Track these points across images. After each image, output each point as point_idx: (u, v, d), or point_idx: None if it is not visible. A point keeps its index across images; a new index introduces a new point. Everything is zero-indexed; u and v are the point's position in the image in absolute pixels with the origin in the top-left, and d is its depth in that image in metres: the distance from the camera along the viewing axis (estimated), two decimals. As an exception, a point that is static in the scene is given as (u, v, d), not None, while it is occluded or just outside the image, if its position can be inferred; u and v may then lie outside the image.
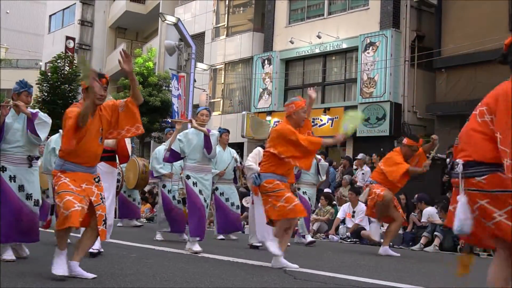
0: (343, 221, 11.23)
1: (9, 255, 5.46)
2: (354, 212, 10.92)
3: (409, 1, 16.66)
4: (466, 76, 14.86)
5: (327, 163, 9.69)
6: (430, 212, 10.04)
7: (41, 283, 4.26)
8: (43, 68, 31.53)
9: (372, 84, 16.64)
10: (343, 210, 11.26)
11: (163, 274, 4.89)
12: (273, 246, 5.67)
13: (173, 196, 9.07)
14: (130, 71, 4.58)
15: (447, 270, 6.39)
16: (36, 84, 26.31)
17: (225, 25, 23.03)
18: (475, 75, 14.58)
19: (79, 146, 4.46)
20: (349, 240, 10.59)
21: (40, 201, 5.73)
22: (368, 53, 16.89)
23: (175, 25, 19.83)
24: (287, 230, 5.81)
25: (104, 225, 4.49)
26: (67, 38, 30.67)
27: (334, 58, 18.96)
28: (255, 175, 5.87)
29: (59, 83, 25.81)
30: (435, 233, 9.55)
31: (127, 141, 6.39)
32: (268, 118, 19.46)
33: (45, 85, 25.92)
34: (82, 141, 4.47)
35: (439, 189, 11.59)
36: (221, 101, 22.58)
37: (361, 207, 10.81)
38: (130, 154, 6.50)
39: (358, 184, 12.68)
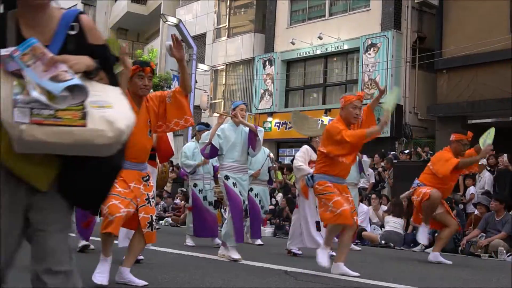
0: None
1: None
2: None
3: (410, 2, 16.67)
4: (467, 77, 14.85)
5: (369, 159, 9.12)
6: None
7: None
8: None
9: (373, 85, 16.63)
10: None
11: (164, 275, 4.89)
12: (323, 256, 5.37)
13: (204, 197, 8.41)
14: (181, 58, 4.16)
15: (448, 271, 6.39)
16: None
17: (226, 26, 23.03)
18: (476, 76, 14.57)
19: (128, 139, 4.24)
20: (350, 241, 10.58)
21: None
22: (369, 54, 16.89)
23: (176, 26, 19.85)
24: (346, 237, 5.47)
25: (150, 228, 4.18)
26: (69, 38, 30.67)
27: (335, 59, 18.96)
28: (307, 176, 5.61)
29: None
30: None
31: (170, 138, 5.87)
32: (269, 119, 19.46)
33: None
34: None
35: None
36: (222, 102, 22.58)
37: (362, 208, 10.79)
38: (174, 151, 5.95)
39: (361, 185, 12.64)
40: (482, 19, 14.51)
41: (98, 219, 8.86)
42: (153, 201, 4.28)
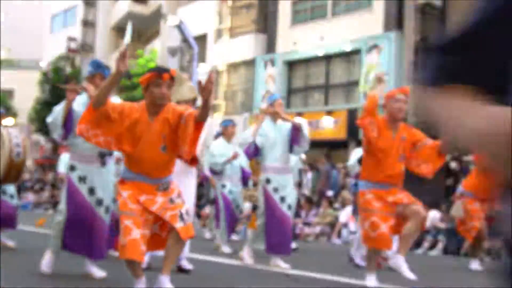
0: (345, 225, 11.15)
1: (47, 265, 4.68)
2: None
3: (413, 4, 16.61)
4: (470, 79, 14.82)
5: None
6: (432, 216, 9.98)
7: (42, 283, 4.20)
8: (44, 69, 31.57)
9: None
10: (346, 213, 11.19)
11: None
12: (401, 266, 4.78)
13: (233, 199, 7.80)
14: (207, 99, 3.63)
15: (450, 273, 6.32)
16: (38, 84, 26.42)
17: (228, 27, 23.00)
18: (479, 78, 14.55)
19: (135, 153, 3.74)
20: (351, 244, 10.53)
21: (111, 208, 4.83)
22: (371, 55, 16.84)
23: (178, 26, 19.82)
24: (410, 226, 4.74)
25: (182, 222, 3.64)
26: (69, 38, 30.70)
27: (337, 60, 18.91)
28: (354, 182, 5.04)
29: (60, 83, 25.87)
30: (439, 237, 9.49)
31: (200, 142, 5.31)
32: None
33: (46, 85, 25.97)
34: (138, 147, 3.73)
35: (442, 193, 11.52)
36: (224, 103, 22.54)
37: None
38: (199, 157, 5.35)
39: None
40: (485, 21, 14.48)
41: None
42: (178, 199, 3.77)
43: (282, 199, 5.94)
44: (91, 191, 4.62)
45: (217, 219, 8.06)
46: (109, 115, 3.69)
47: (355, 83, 17.89)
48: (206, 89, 3.60)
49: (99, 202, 4.64)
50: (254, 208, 6.24)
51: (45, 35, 38.00)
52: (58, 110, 4.74)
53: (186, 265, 5.22)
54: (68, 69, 26.69)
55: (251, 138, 6.10)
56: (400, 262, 4.70)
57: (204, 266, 5.88)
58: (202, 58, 22.53)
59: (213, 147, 7.91)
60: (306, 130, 6.01)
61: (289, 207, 6.00)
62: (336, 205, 12.37)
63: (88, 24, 32.45)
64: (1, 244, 6.47)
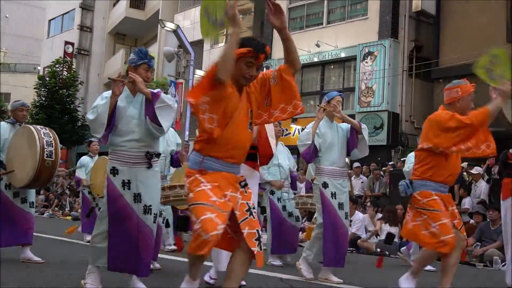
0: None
1: (93, 281, 4.11)
2: (351, 221, 10.91)
3: (407, 12, 16.75)
4: (464, 86, 14.91)
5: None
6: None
7: (41, 284, 4.25)
8: (41, 73, 31.57)
9: (370, 93, 16.68)
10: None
11: (164, 279, 4.87)
12: (406, 282, 4.52)
13: (283, 207, 7.13)
14: (283, 26, 3.24)
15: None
16: (34, 88, 26.44)
17: (224, 33, 23.07)
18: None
19: (225, 133, 3.21)
20: (345, 249, 10.56)
21: (159, 214, 4.27)
22: (366, 62, 16.94)
23: (174, 31, 19.87)
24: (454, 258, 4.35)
25: (259, 246, 3.15)
26: (66, 43, 30.71)
27: (332, 67, 19.01)
28: (405, 182, 4.43)
29: (57, 88, 25.92)
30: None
31: (269, 133, 4.70)
32: (266, 125, 19.48)
33: (43, 89, 26.02)
34: (229, 126, 3.21)
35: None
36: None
37: (358, 216, 10.79)
38: (274, 151, 4.71)
39: (356, 193, 12.67)
40: (479, 29, 14.59)
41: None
42: (255, 212, 3.26)
43: (340, 205, 5.44)
44: (136, 197, 4.05)
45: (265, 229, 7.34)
46: (224, 88, 3.15)
47: (350, 90, 17.99)
48: (275, 13, 3.21)
49: (147, 210, 4.06)
50: (309, 217, 5.76)
51: (42, 39, 37.99)
52: (102, 105, 4.03)
53: None
54: (65, 73, 26.69)
55: (310, 140, 5.55)
56: None
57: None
58: (198, 64, 22.60)
59: None
60: (366, 134, 5.60)
61: (346, 215, 5.49)
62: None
63: (85, 28, 32.47)
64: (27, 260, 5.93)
